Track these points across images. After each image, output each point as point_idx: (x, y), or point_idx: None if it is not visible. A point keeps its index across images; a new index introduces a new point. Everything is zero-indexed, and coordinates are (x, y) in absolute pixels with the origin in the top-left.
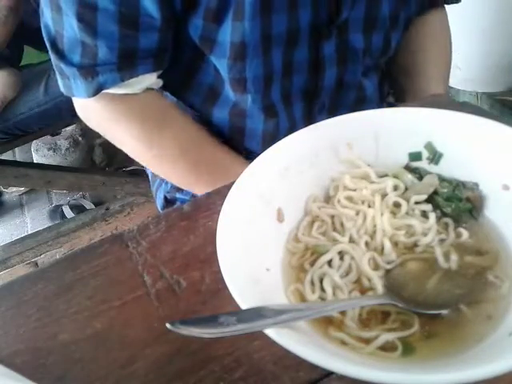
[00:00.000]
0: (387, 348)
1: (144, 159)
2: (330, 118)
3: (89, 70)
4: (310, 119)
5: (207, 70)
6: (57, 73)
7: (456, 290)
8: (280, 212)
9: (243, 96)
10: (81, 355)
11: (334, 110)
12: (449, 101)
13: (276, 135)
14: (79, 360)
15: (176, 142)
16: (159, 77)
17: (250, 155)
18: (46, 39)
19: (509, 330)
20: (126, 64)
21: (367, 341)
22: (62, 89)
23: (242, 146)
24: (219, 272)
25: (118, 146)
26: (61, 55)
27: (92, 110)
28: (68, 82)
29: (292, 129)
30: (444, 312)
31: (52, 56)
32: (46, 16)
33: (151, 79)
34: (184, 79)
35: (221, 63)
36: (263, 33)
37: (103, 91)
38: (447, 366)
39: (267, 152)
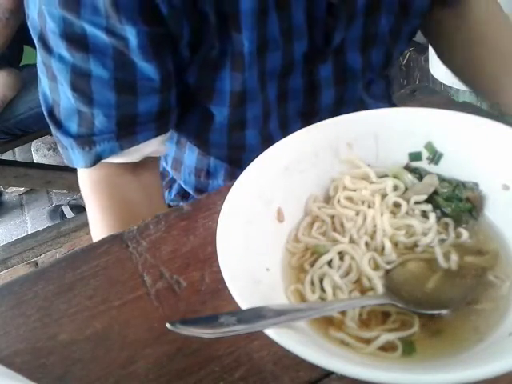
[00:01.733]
0: (387, 348)
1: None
2: None
3: (86, 139)
4: None
5: (192, 117)
6: (57, 142)
7: (456, 290)
8: (280, 212)
9: (240, 134)
10: (81, 355)
11: None
12: (449, 101)
13: None
14: (79, 360)
15: None
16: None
17: None
18: (43, 108)
19: (509, 330)
20: (125, 132)
21: (367, 341)
22: (64, 159)
23: (236, 174)
24: (219, 272)
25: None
26: (58, 125)
27: (85, 178)
28: (67, 152)
29: None
30: (444, 312)
31: (50, 125)
32: (43, 84)
33: (152, 146)
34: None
35: (220, 111)
36: (260, 74)
37: (102, 161)
38: (447, 366)
39: (267, 152)
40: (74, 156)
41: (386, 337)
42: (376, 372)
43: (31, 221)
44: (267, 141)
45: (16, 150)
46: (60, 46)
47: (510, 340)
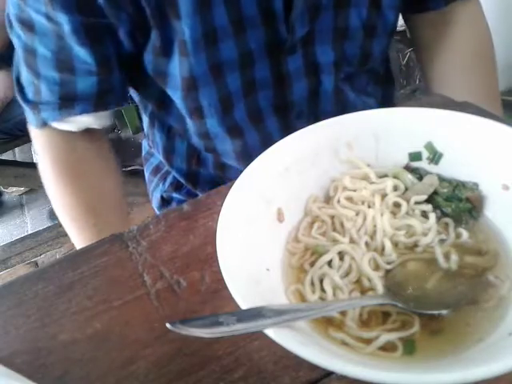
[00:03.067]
0: (388, 348)
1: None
2: (310, 124)
3: (35, 106)
4: (288, 129)
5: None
6: None
7: (456, 290)
8: (280, 212)
9: (202, 121)
10: (81, 355)
11: (314, 117)
12: (449, 101)
13: (248, 153)
14: (79, 360)
15: (80, 201)
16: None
17: (230, 170)
18: (13, 75)
19: (509, 330)
20: (66, 104)
21: (367, 341)
22: None
23: (221, 162)
24: (219, 272)
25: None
26: (21, 91)
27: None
28: (26, 114)
29: (266, 144)
30: (444, 312)
31: (16, 90)
32: (15, 56)
33: (93, 119)
34: (158, 106)
35: (175, 95)
36: (211, 63)
37: (48, 125)
38: (447, 366)
39: (267, 152)
40: (30, 118)
41: (386, 337)
42: (376, 372)
43: (31, 221)
44: (235, 131)
45: (16, 149)
46: (16, 26)
47: (510, 340)
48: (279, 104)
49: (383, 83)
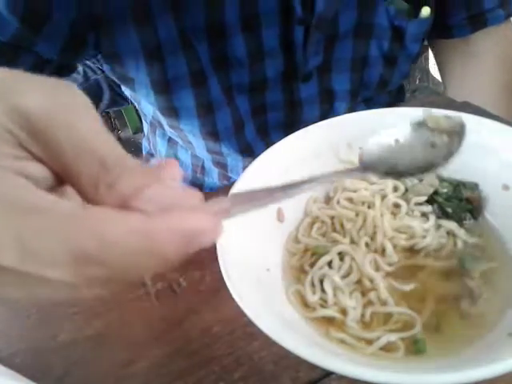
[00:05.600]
0: (389, 349)
1: None
2: None
3: None
4: None
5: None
6: None
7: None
8: (280, 212)
9: (216, 143)
10: (81, 355)
11: None
12: (449, 101)
13: None
14: (79, 360)
15: None
16: None
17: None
18: None
19: (508, 330)
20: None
21: (369, 341)
22: None
23: (228, 176)
24: (219, 272)
25: None
26: None
27: None
28: None
29: None
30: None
31: None
32: None
33: None
34: None
35: (192, 123)
36: (223, 86)
37: None
38: (447, 366)
39: (267, 152)
40: None
41: (387, 337)
42: (376, 372)
43: None
44: (246, 150)
45: None
46: None
47: (509, 340)
48: (287, 124)
49: (394, 94)
